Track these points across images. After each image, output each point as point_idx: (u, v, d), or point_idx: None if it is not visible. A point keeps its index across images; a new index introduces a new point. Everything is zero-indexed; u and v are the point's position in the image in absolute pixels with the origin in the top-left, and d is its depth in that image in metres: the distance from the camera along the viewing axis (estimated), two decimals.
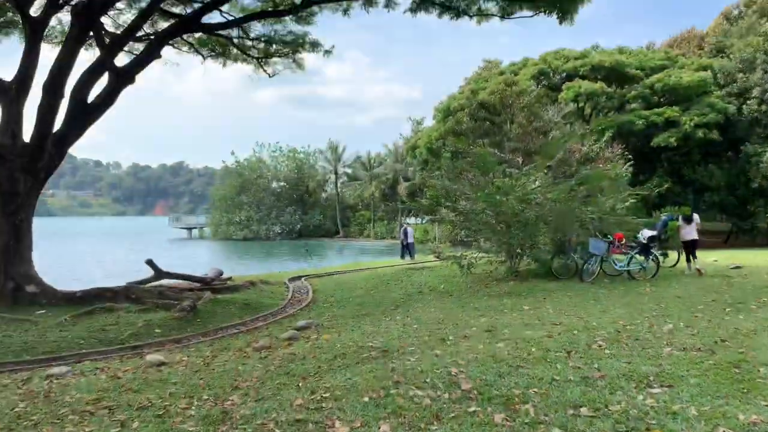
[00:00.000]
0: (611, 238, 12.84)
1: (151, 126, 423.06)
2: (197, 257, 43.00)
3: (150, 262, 14.88)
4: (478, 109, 18.59)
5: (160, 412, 4.25)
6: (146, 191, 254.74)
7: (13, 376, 6.51)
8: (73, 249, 51.33)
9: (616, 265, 12.75)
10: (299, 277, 18.28)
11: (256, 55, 18.93)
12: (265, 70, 19.47)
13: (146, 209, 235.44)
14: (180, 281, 15.91)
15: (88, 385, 5.43)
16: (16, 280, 11.50)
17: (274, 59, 19.23)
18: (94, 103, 12.67)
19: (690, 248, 13.29)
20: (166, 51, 22.19)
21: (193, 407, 4.33)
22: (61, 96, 11.66)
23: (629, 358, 5.23)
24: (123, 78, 12.58)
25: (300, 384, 4.80)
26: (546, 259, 13.43)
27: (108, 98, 12.63)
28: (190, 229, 68.60)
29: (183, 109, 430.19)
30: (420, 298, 11.74)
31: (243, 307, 11.74)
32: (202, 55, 18.63)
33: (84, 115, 12.52)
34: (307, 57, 18.53)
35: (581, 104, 29.07)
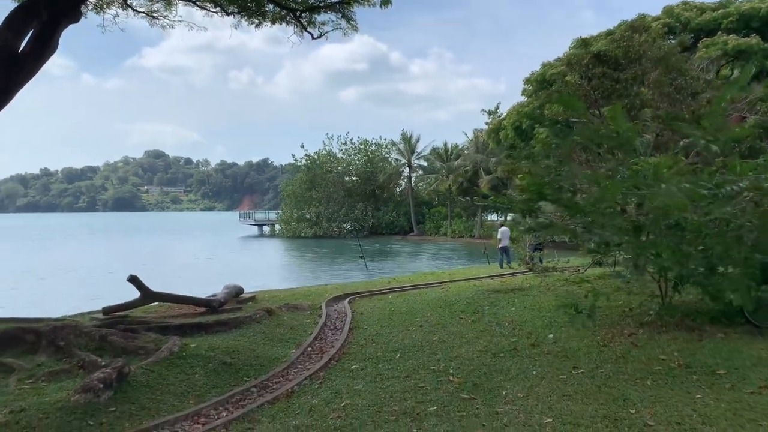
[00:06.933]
0: None
1: (240, 125, 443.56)
2: (252, 259, 39.96)
3: (134, 280, 10.67)
4: (594, 64, 12.98)
5: None
6: (233, 187, 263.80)
7: None
8: (127, 248, 50.28)
9: None
10: (346, 296, 13.70)
11: (294, 7, 14.71)
12: (308, 31, 15.24)
13: (233, 204, 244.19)
14: (177, 304, 11.89)
15: None
16: None
17: (320, 17, 15.07)
18: (23, 51, 8.63)
19: None
20: (190, 11, 18.38)
21: None
22: None
23: None
24: (57, 11, 8.41)
25: None
26: (730, 294, 7.73)
27: (39, 42, 8.52)
28: (260, 225, 66.31)
29: (270, 109, 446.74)
30: (517, 368, 6.57)
31: (218, 368, 7.16)
32: (227, 12, 14.56)
33: (10, 68, 8.47)
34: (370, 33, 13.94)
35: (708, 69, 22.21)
